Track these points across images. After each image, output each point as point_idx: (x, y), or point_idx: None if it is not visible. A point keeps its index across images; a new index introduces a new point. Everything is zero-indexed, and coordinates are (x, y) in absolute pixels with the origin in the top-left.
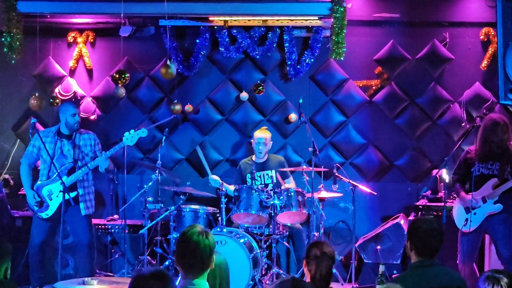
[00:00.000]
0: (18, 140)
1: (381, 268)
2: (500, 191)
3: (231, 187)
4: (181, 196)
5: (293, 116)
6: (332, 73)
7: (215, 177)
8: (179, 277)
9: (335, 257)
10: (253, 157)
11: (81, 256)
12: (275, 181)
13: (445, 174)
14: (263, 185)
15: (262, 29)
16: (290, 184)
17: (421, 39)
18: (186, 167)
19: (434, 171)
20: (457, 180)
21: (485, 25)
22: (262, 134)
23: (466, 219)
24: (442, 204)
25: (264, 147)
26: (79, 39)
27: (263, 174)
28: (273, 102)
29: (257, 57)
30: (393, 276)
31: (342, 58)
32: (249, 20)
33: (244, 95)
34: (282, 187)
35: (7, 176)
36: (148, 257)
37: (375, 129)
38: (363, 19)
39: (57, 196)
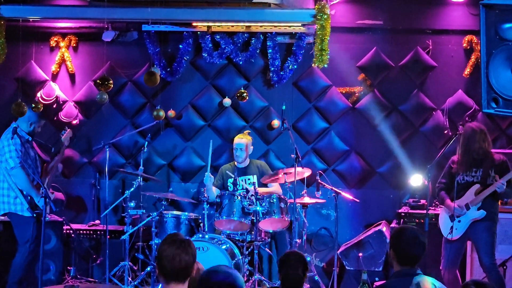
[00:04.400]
0: None
1: (364, 276)
2: (482, 196)
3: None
4: (163, 202)
5: (276, 122)
6: (315, 80)
7: (211, 176)
8: (160, 285)
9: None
10: (235, 163)
11: None
12: (256, 186)
13: (413, 181)
14: (245, 190)
15: (245, 35)
16: (273, 187)
17: (404, 46)
18: (168, 173)
19: (410, 180)
20: (442, 189)
21: (468, 33)
22: (241, 140)
23: (451, 227)
24: (425, 211)
25: (242, 153)
26: (62, 44)
27: (245, 179)
28: (256, 108)
29: (240, 63)
30: (375, 284)
31: (325, 65)
32: (232, 26)
33: (227, 101)
34: (262, 191)
35: None
36: (130, 263)
37: (358, 136)
38: (346, 26)
39: (38, 202)
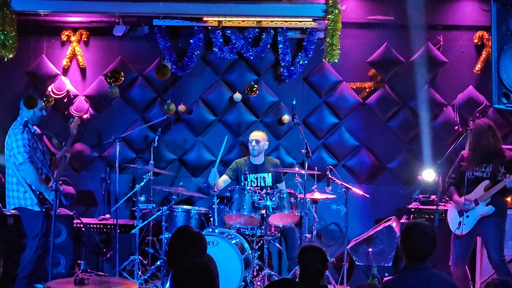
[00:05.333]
0: None
1: (373, 271)
2: (492, 193)
3: (220, 181)
4: (173, 196)
5: (286, 118)
6: (326, 75)
7: (217, 174)
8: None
9: (325, 254)
10: (250, 157)
11: None
12: (268, 184)
13: (426, 176)
14: (259, 188)
15: (256, 30)
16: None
17: (415, 42)
18: (178, 167)
19: (420, 177)
20: (452, 184)
21: (479, 28)
22: (257, 133)
23: (459, 222)
24: (435, 207)
25: (256, 146)
26: (73, 38)
27: (259, 177)
28: (266, 103)
29: (251, 58)
30: (384, 279)
31: (336, 60)
32: (243, 21)
33: (238, 96)
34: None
35: None
36: (140, 257)
37: (368, 131)
38: (357, 21)
39: (49, 195)
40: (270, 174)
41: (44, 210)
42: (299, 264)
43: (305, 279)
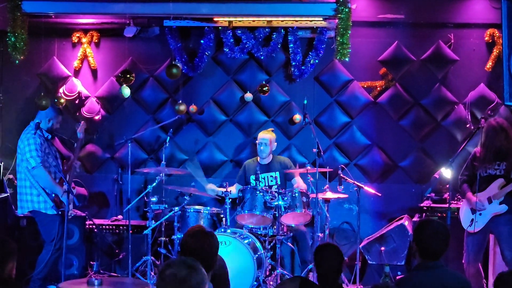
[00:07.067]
0: None
1: (386, 269)
2: (506, 191)
3: (233, 188)
4: (185, 197)
5: (297, 117)
6: (337, 74)
7: (211, 186)
8: None
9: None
10: (258, 158)
11: None
12: (279, 182)
13: (444, 173)
14: (267, 187)
15: (266, 30)
16: (298, 183)
17: (426, 40)
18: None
19: (435, 175)
20: (465, 181)
21: (490, 26)
22: (265, 135)
23: (472, 220)
24: (447, 205)
25: (266, 148)
26: (84, 40)
27: (267, 176)
28: (277, 103)
29: (262, 57)
30: (397, 277)
31: (347, 59)
32: (253, 21)
33: (249, 96)
34: (296, 186)
35: (11, 176)
36: (152, 258)
37: (380, 130)
38: (367, 20)
39: (62, 196)
40: (278, 172)
41: (59, 213)
42: (314, 263)
43: (322, 278)
